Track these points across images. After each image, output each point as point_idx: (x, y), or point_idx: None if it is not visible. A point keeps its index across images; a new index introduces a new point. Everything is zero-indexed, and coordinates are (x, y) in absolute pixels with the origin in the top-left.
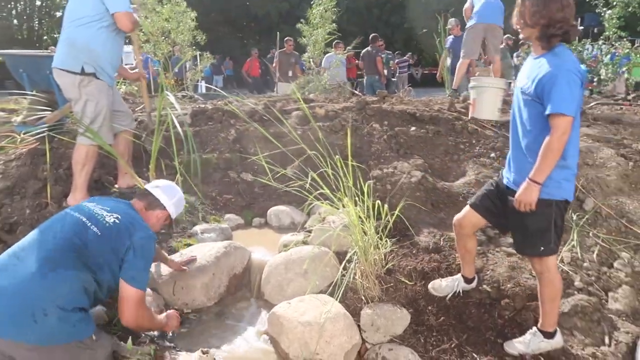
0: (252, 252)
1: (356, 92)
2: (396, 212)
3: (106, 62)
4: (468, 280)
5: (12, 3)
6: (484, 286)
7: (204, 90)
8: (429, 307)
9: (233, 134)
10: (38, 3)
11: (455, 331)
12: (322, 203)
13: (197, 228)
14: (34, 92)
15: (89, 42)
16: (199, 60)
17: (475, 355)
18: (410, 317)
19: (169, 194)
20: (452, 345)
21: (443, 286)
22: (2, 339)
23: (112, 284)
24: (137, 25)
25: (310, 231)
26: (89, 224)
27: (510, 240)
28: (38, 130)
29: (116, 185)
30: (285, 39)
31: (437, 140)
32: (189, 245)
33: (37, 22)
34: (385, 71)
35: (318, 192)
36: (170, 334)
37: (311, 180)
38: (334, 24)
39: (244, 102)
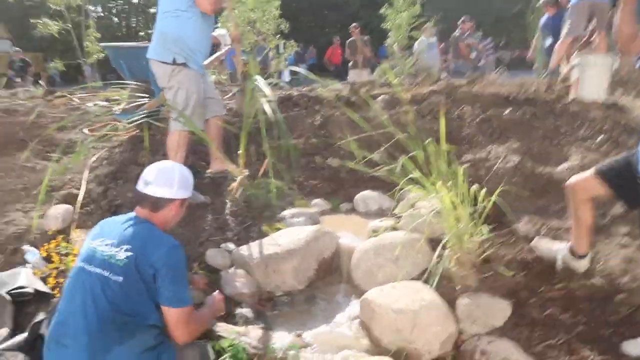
0: (341, 237)
1: (444, 75)
2: (492, 198)
3: (196, 51)
4: (575, 255)
5: (113, 2)
6: (596, 278)
7: (287, 79)
8: (532, 299)
9: (319, 120)
10: (135, 1)
11: (563, 326)
12: (413, 188)
13: (286, 213)
14: (133, 82)
15: (179, 32)
16: (283, 49)
17: (590, 353)
18: (511, 309)
19: (166, 184)
20: (560, 341)
21: (543, 247)
22: None
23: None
24: (218, 5)
25: (399, 217)
26: (108, 274)
27: (625, 230)
28: (136, 118)
29: (208, 171)
30: (351, 26)
31: (534, 123)
32: (279, 229)
33: (134, 19)
34: (474, 54)
35: (409, 176)
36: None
37: (401, 165)
38: (417, 7)
39: (329, 88)
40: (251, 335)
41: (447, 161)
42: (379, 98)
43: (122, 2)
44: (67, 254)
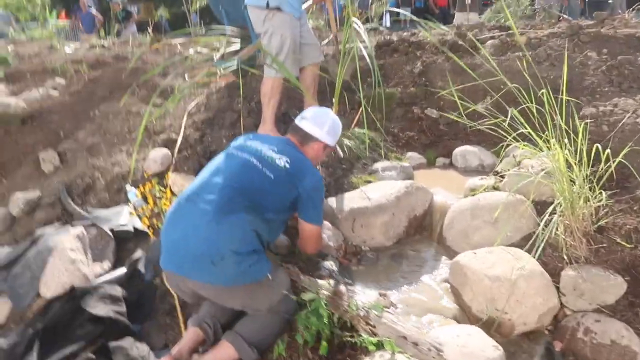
0: (435, 194)
1: (565, 16)
2: (617, 159)
3: None
4: None
5: None
6: None
7: (389, 24)
8: None
9: (419, 67)
10: None
11: None
12: (521, 145)
13: (378, 165)
14: (231, 29)
15: None
16: None
17: None
18: (626, 285)
19: (318, 124)
20: None
21: None
22: (189, 280)
23: (280, 225)
24: None
25: (502, 176)
26: (261, 167)
27: None
28: (232, 65)
29: None
30: None
31: None
32: (369, 182)
33: None
34: None
35: (518, 132)
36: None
37: (510, 117)
38: None
39: (433, 32)
40: (334, 290)
41: (564, 115)
42: (488, 43)
43: None
44: (160, 197)
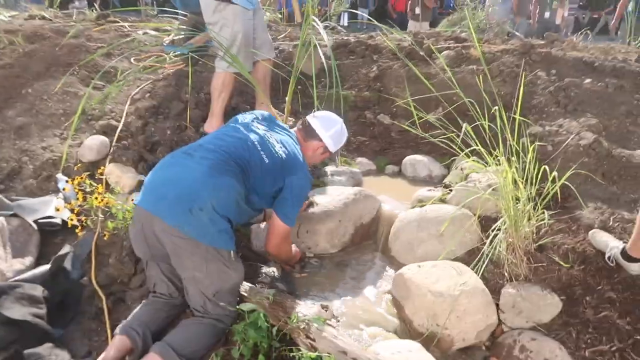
0: (383, 203)
1: (517, 33)
2: (561, 180)
3: None
4: (628, 257)
5: None
6: None
7: (346, 23)
8: (587, 298)
9: (375, 71)
10: None
11: (618, 332)
12: (470, 159)
13: (328, 169)
14: (184, 14)
15: None
16: None
17: None
18: (561, 305)
19: (325, 125)
20: (613, 348)
21: (598, 239)
22: (159, 220)
23: (256, 208)
24: None
25: (449, 188)
26: (260, 149)
27: None
28: (183, 52)
29: None
30: None
31: (618, 98)
32: (318, 186)
33: None
34: (548, 14)
35: (470, 148)
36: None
37: (457, 131)
38: None
39: (390, 37)
40: (275, 300)
41: (515, 132)
42: (444, 53)
43: None
44: (91, 192)
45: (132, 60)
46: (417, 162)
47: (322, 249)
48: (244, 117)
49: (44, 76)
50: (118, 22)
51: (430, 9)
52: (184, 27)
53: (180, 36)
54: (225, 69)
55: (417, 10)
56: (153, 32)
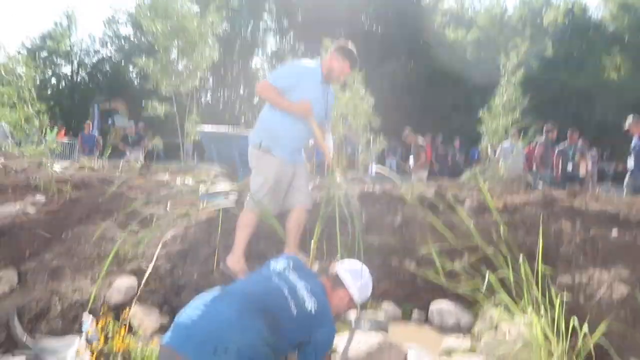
0: (408, 351)
1: (539, 186)
2: (596, 336)
3: (284, 138)
4: None
5: (221, 91)
6: None
7: (374, 173)
8: None
9: (399, 220)
10: (241, 92)
11: None
12: (498, 310)
13: (351, 314)
14: (219, 165)
15: (270, 118)
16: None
17: None
18: None
19: (354, 276)
20: None
21: None
22: (179, 353)
23: (279, 355)
24: (266, 94)
25: (478, 337)
26: (290, 300)
27: None
28: (217, 200)
29: None
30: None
31: None
32: (340, 332)
33: (238, 107)
34: (570, 167)
35: (495, 299)
36: None
37: (486, 283)
38: (516, 114)
39: (412, 188)
40: None
41: (540, 282)
42: (466, 204)
43: (229, 92)
44: (113, 336)
45: (167, 207)
46: (444, 310)
47: None
48: (277, 264)
49: (85, 221)
50: (159, 172)
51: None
52: (220, 178)
53: (215, 189)
54: (252, 209)
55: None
56: (190, 182)
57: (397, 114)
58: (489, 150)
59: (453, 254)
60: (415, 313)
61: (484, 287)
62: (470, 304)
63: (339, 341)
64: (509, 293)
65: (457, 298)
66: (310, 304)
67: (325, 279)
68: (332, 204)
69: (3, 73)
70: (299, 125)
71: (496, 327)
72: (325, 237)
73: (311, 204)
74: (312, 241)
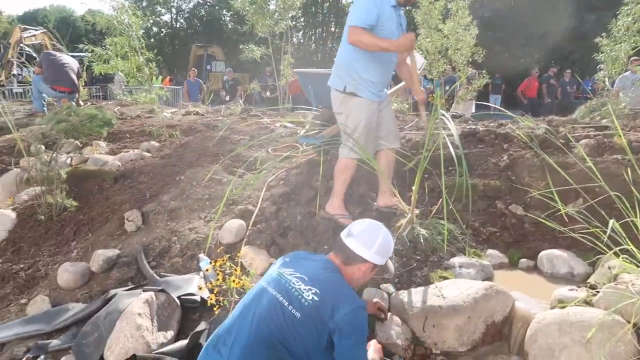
0: (517, 300)
1: None
2: None
3: (367, 80)
4: None
5: (313, 30)
6: None
7: (474, 110)
8: None
9: (505, 160)
10: (332, 29)
11: None
12: (621, 259)
13: (455, 260)
14: (317, 107)
15: (350, 61)
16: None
17: None
18: None
19: (366, 243)
20: None
21: None
22: None
23: None
24: (360, 39)
25: (595, 289)
26: (287, 304)
27: None
28: (315, 143)
29: (376, 203)
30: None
31: None
32: (445, 278)
33: (329, 46)
34: None
35: (620, 247)
36: None
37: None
38: None
39: (521, 125)
40: None
41: None
42: (582, 142)
43: (320, 30)
44: (230, 274)
45: (269, 150)
46: (556, 257)
47: (450, 346)
48: (274, 267)
49: (195, 165)
50: (259, 116)
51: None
52: (317, 120)
53: (314, 130)
54: (346, 155)
55: None
56: (289, 125)
57: (500, 46)
58: (607, 81)
59: (567, 197)
60: (523, 261)
61: (607, 233)
62: (586, 251)
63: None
64: (634, 240)
65: (569, 246)
66: (310, 294)
67: (334, 255)
68: (435, 144)
69: (115, 24)
70: (382, 63)
71: (616, 278)
72: (427, 180)
73: (399, 143)
74: (414, 186)
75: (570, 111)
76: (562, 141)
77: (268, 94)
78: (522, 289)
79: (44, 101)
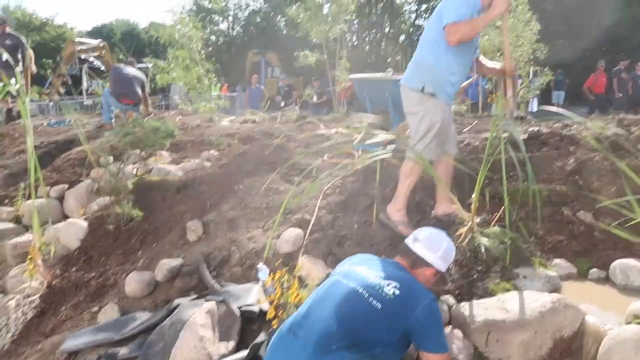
0: (587, 314)
1: None
2: None
3: (447, 82)
4: None
5: (367, 32)
6: None
7: (535, 109)
8: None
9: (572, 164)
10: (386, 30)
11: None
12: None
13: (520, 271)
14: (372, 113)
15: (433, 62)
16: (537, 76)
17: None
18: None
19: (431, 248)
20: None
21: None
22: None
23: (393, 354)
24: (464, 38)
25: None
26: (367, 295)
27: None
28: (372, 150)
29: (434, 211)
30: None
31: None
32: (508, 290)
33: (383, 47)
34: None
35: None
36: None
37: None
38: None
39: (588, 126)
40: None
41: None
42: None
43: (374, 31)
44: (288, 288)
45: (325, 158)
46: (631, 268)
47: None
48: (342, 266)
49: (252, 174)
50: (314, 122)
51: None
52: (373, 126)
53: (370, 137)
54: (415, 157)
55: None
56: (344, 131)
57: (564, 40)
58: None
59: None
60: (594, 272)
61: None
62: None
63: None
64: None
65: None
66: (390, 289)
67: (400, 258)
68: (496, 148)
69: (177, 37)
70: (462, 67)
71: None
72: (489, 186)
73: (457, 148)
74: (473, 193)
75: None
76: (634, 143)
77: (315, 99)
78: (593, 302)
79: (112, 114)
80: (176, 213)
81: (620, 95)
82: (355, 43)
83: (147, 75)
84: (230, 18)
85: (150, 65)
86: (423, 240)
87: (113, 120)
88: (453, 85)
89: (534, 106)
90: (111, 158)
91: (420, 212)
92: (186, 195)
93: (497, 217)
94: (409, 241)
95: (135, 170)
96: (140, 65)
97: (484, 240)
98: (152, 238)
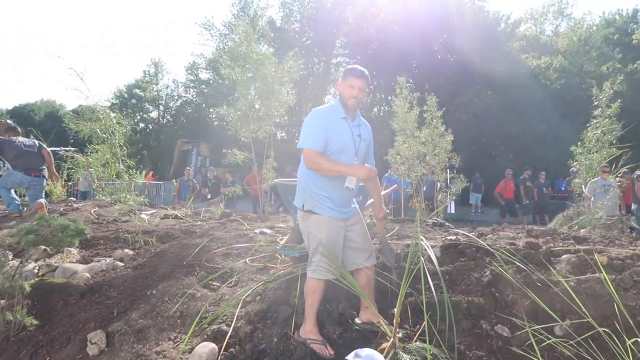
0: None
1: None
2: None
3: (323, 197)
4: None
5: (295, 129)
6: None
7: (453, 211)
8: None
9: (488, 276)
10: None
11: None
12: None
13: None
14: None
15: (305, 178)
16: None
17: None
18: None
19: None
20: None
21: None
22: None
23: None
24: (317, 165)
25: None
26: None
27: None
28: (295, 255)
29: (356, 319)
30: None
31: None
32: None
33: None
34: None
35: None
36: None
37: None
38: (612, 148)
39: (501, 236)
40: None
41: None
42: (563, 258)
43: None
44: None
45: (247, 260)
46: None
47: None
48: None
49: (168, 277)
50: (239, 220)
51: None
52: (297, 231)
53: (293, 242)
54: (311, 275)
55: None
56: (269, 231)
57: (476, 147)
58: (585, 189)
59: (553, 315)
60: None
61: None
62: None
63: None
64: None
65: None
66: None
67: None
68: (417, 259)
69: (99, 132)
70: (336, 179)
71: None
72: (408, 296)
73: (375, 260)
74: (397, 305)
75: (547, 211)
76: (543, 257)
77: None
78: None
79: (17, 200)
80: (78, 321)
81: (527, 202)
82: (285, 137)
83: (63, 161)
84: (162, 107)
85: (61, 149)
86: (365, 357)
87: (20, 208)
88: (333, 201)
89: (452, 208)
90: (10, 254)
91: (343, 323)
92: (92, 300)
93: (419, 330)
94: (349, 356)
95: (37, 269)
96: (54, 148)
97: (406, 357)
98: (45, 351)
